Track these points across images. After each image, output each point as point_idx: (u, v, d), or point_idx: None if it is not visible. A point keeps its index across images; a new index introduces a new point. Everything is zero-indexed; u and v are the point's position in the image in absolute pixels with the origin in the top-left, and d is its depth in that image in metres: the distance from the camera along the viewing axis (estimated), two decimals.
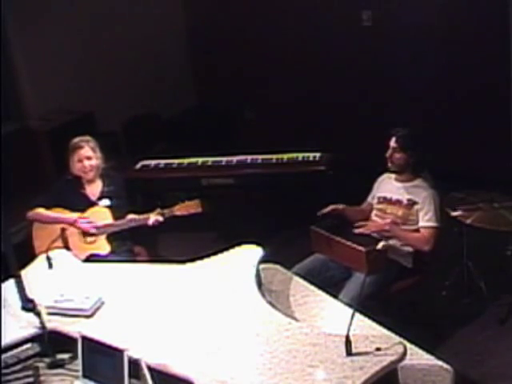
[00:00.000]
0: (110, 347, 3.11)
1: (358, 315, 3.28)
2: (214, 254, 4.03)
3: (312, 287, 3.89)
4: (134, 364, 3.07)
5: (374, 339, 3.10)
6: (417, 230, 4.44)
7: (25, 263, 4.04)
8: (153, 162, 6.11)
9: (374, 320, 3.49)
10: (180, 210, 4.67)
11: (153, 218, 4.66)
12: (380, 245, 4.20)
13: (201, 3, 7.65)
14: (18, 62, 6.52)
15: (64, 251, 4.44)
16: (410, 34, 6.38)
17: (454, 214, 4.63)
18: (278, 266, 4.12)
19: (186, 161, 6.05)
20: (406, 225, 4.45)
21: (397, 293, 4.41)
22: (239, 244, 4.03)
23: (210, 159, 6.01)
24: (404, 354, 3.01)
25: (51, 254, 4.06)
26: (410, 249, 4.44)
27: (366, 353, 3.00)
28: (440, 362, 3.28)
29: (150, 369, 3.06)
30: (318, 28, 6.86)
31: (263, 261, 3.94)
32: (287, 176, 5.78)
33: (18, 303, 3.48)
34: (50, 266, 4.00)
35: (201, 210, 4.66)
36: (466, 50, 6.22)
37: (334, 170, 5.70)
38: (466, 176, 5.79)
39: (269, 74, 7.26)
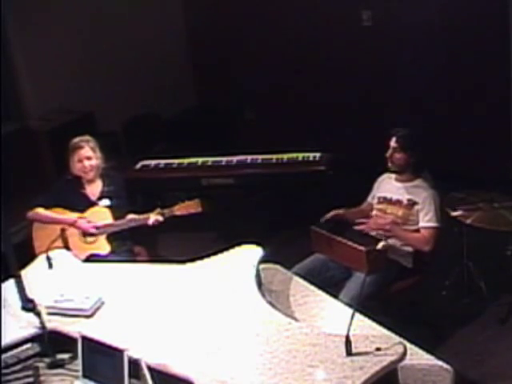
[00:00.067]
0: (110, 347, 3.11)
1: (358, 315, 3.28)
2: (214, 253, 4.03)
3: (312, 287, 3.90)
4: (134, 364, 3.07)
5: (373, 339, 3.10)
6: (417, 230, 4.44)
7: (25, 263, 4.04)
8: (153, 162, 6.11)
9: (374, 320, 3.49)
10: (180, 209, 4.67)
11: (153, 217, 4.66)
12: (380, 245, 4.20)
13: (201, 3, 7.65)
14: (18, 62, 6.52)
15: (64, 251, 4.44)
16: (411, 34, 6.39)
17: (454, 213, 4.63)
18: (278, 266, 4.13)
19: (186, 161, 6.06)
20: (406, 225, 4.45)
21: (397, 293, 4.41)
22: (239, 244, 4.03)
23: (210, 159, 6.02)
24: (404, 353, 3.01)
25: (51, 254, 4.06)
26: (410, 249, 4.44)
27: (366, 353, 3.00)
28: (440, 362, 3.28)
29: (150, 369, 3.06)
30: (318, 28, 6.87)
31: (263, 261, 3.94)
32: (287, 176, 5.78)
33: (18, 303, 3.48)
34: (50, 266, 4.00)
35: (201, 209, 4.66)
36: (466, 50, 6.22)
37: (334, 169, 5.70)
38: (466, 176, 5.79)
39: (269, 74, 7.26)
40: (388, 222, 4.42)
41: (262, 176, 5.80)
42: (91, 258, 4.60)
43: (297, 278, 4.02)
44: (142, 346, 3.24)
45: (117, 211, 4.75)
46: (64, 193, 4.81)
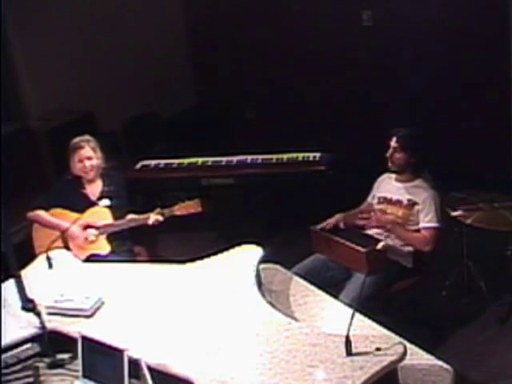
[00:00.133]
0: (110, 347, 3.11)
1: (358, 315, 3.28)
2: (214, 253, 4.02)
3: (312, 287, 3.89)
4: (134, 364, 3.07)
5: (373, 339, 3.09)
6: (417, 231, 4.44)
7: (25, 263, 4.04)
8: (153, 162, 6.12)
9: (374, 320, 3.49)
10: (180, 209, 4.67)
11: (153, 217, 4.66)
12: (380, 245, 4.20)
13: (201, 3, 7.65)
14: (18, 61, 6.52)
15: (64, 251, 4.44)
16: (411, 34, 6.39)
17: (454, 213, 4.64)
18: (278, 266, 4.12)
19: (186, 161, 6.06)
20: (407, 225, 4.45)
21: (397, 293, 4.41)
22: (239, 244, 4.03)
23: (210, 159, 6.02)
24: (404, 353, 3.01)
25: (51, 254, 4.06)
26: (410, 249, 4.44)
27: (366, 353, 3.00)
28: (440, 362, 3.28)
29: (150, 369, 3.06)
30: (318, 28, 6.87)
31: (263, 261, 3.94)
32: (287, 176, 5.78)
33: (18, 303, 3.48)
34: (50, 266, 4.00)
35: (201, 209, 4.66)
36: (466, 50, 6.22)
37: (333, 169, 5.70)
38: (466, 176, 5.79)
39: (269, 74, 7.26)
40: (389, 221, 4.42)
41: (262, 176, 5.80)
42: (91, 258, 4.60)
43: (297, 278, 4.02)
44: (142, 345, 3.24)
45: (117, 211, 4.75)
46: (64, 193, 4.81)
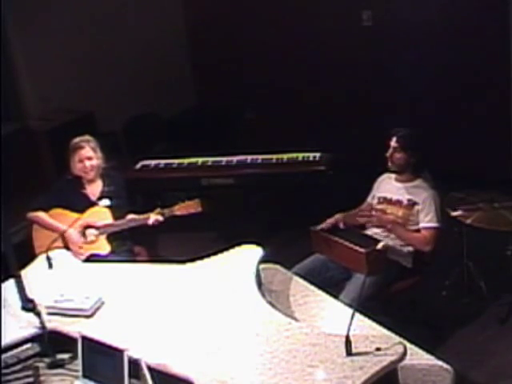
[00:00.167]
0: (110, 347, 3.11)
1: (358, 315, 3.28)
2: (214, 253, 4.03)
3: (312, 287, 3.89)
4: (134, 364, 3.07)
5: (373, 339, 3.10)
6: (417, 231, 4.44)
7: (25, 263, 4.04)
8: (153, 162, 6.11)
9: (374, 320, 3.49)
10: (180, 209, 4.67)
11: (153, 217, 4.66)
12: (380, 245, 4.20)
13: (201, 3, 7.65)
14: (18, 61, 6.52)
15: (64, 251, 4.44)
16: (411, 34, 6.39)
17: (454, 213, 4.63)
18: (278, 266, 4.12)
19: (186, 161, 6.06)
20: (407, 225, 4.45)
21: (397, 293, 4.41)
22: (239, 244, 4.03)
23: (210, 159, 6.02)
24: (404, 354, 3.01)
25: (51, 254, 4.06)
26: (409, 249, 4.44)
27: (366, 353, 3.00)
28: (440, 362, 3.28)
29: (150, 369, 3.06)
30: (318, 28, 6.86)
31: (263, 261, 3.94)
32: (287, 176, 5.78)
33: (18, 303, 3.48)
34: (50, 266, 4.00)
35: (201, 209, 4.66)
36: (466, 50, 6.22)
37: (334, 169, 5.70)
38: (466, 176, 5.79)
39: (269, 74, 7.26)
40: (390, 221, 4.41)
41: (262, 176, 5.80)
42: (91, 258, 4.60)
43: (297, 278, 4.02)
44: (142, 345, 3.24)
45: (117, 211, 4.75)
46: (64, 193, 4.81)
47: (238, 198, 5.91)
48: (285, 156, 5.93)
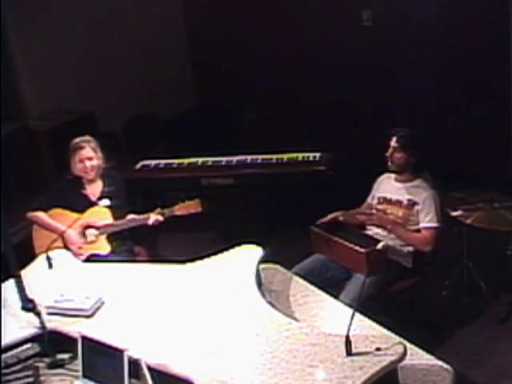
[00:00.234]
0: (110, 347, 3.11)
1: (358, 315, 3.28)
2: (214, 254, 4.03)
3: (312, 287, 3.89)
4: (134, 364, 3.07)
5: (373, 339, 3.10)
6: (417, 231, 4.44)
7: (25, 263, 4.04)
8: (153, 162, 6.11)
9: (374, 320, 3.49)
10: (180, 209, 4.67)
11: (153, 217, 4.66)
12: (380, 245, 4.20)
13: (201, 3, 7.65)
14: (18, 61, 6.52)
15: (64, 251, 4.44)
16: (411, 34, 6.39)
17: (454, 213, 4.63)
18: (278, 266, 4.12)
19: (186, 161, 6.05)
20: (407, 225, 4.45)
21: (397, 293, 4.41)
22: (239, 244, 4.03)
23: (210, 159, 6.01)
24: (404, 354, 3.01)
25: (51, 254, 4.06)
26: (409, 249, 4.44)
27: (366, 353, 3.00)
28: (440, 362, 3.28)
29: (150, 369, 3.06)
30: (318, 28, 6.86)
31: (263, 261, 3.94)
32: (287, 176, 5.77)
33: (18, 303, 3.48)
34: (50, 265, 4.00)
35: (201, 209, 4.66)
36: (466, 50, 6.22)
37: (334, 169, 5.70)
38: (466, 176, 5.79)
39: (269, 74, 7.26)
40: (390, 222, 4.41)
41: (262, 176, 5.80)
42: (91, 258, 4.60)
43: (297, 278, 4.02)
44: (142, 345, 3.24)
45: (117, 211, 4.75)
46: (64, 193, 4.81)
47: (238, 198, 5.91)
48: (285, 156, 5.93)
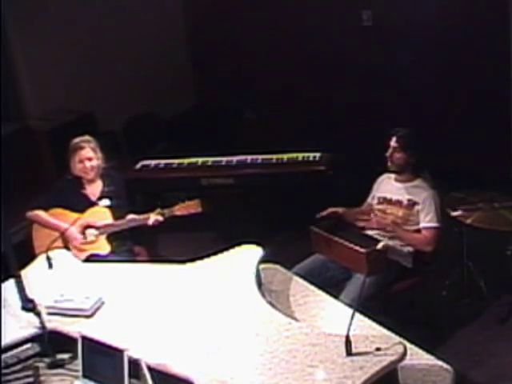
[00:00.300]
0: (110, 347, 3.11)
1: (358, 315, 3.28)
2: (214, 254, 4.03)
3: (312, 287, 3.89)
4: (134, 364, 3.07)
5: (373, 339, 3.10)
6: (417, 231, 4.44)
7: (25, 263, 4.04)
8: (153, 162, 6.11)
9: (374, 320, 3.49)
10: (180, 209, 4.67)
11: (153, 217, 4.66)
12: (380, 245, 4.20)
13: (201, 3, 7.65)
14: (18, 61, 6.52)
15: (64, 251, 4.44)
16: (411, 34, 6.39)
17: (454, 213, 4.63)
18: (278, 266, 4.12)
19: (186, 161, 6.05)
20: (407, 225, 4.45)
21: (397, 293, 4.41)
22: (239, 244, 4.03)
23: (210, 159, 6.02)
24: (404, 354, 3.01)
25: (51, 254, 4.06)
26: (410, 249, 4.44)
27: (366, 353, 3.00)
28: (440, 362, 3.28)
29: (150, 369, 3.06)
30: (318, 28, 6.86)
31: (263, 261, 3.94)
32: (287, 176, 5.78)
33: (18, 303, 3.48)
34: (50, 265, 4.00)
35: (201, 209, 4.66)
36: (466, 50, 6.22)
37: (334, 169, 5.70)
38: (466, 176, 5.79)
39: (269, 74, 7.26)
40: (389, 224, 4.41)
41: (262, 176, 5.80)
42: (91, 258, 4.60)
43: (297, 278, 4.02)
44: (142, 345, 3.24)
45: (117, 211, 4.75)
46: (64, 193, 4.81)
47: (238, 198, 5.91)
48: (285, 156, 5.93)
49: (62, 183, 4.89)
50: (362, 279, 3.78)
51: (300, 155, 5.92)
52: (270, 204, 6.05)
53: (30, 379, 3.28)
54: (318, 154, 5.87)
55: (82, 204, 4.75)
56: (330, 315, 3.66)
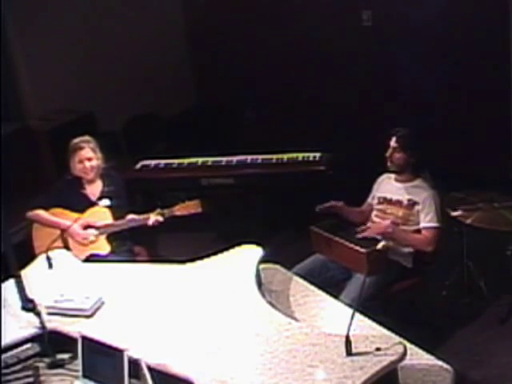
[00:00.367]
0: (110, 347, 3.11)
1: (358, 315, 3.28)
2: (214, 254, 4.03)
3: (312, 287, 3.89)
4: (134, 364, 3.07)
5: (373, 339, 3.09)
6: (417, 231, 4.43)
7: (25, 263, 4.04)
8: (153, 162, 6.11)
9: (374, 320, 3.49)
10: (180, 210, 4.67)
11: (153, 218, 4.66)
12: (380, 245, 4.19)
13: (201, 3, 7.65)
14: (18, 61, 6.52)
15: (64, 251, 4.44)
16: (410, 34, 6.39)
17: (454, 214, 4.63)
18: (278, 266, 4.12)
19: (186, 161, 6.06)
20: (407, 225, 4.44)
21: (397, 293, 4.41)
22: (239, 244, 4.03)
23: (210, 159, 6.02)
24: (404, 354, 3.01)
25: (51, 254, 4.06)
26: (410, 249, 4.43)
27: (366, 353, 3.00)
28: (440, 362, 3.28)
29: (150, 369, 3.06)
30: (318, 28, 6.87)
31: (263, 261, 3.94)
32: (287, 176, 5.78)
33: (18, 303, 3.48)
34: (50, 265, 4.00)
35: (201, 210, 4.66)
36: (466, 50, 6.22)
37: (334, 169, 5.70)
38: (466, 176, 5.79)
39: (269, 74, 7.26)
40: (388, 225, 4.39)
41: (262, 176, 5.80)
42: (91, 258, 4.60)
43: (297, 278, 4.02)
44: (142, 345, 3.24)
45: (117, 211, 4.75)
46: (64, 193, 4.81)
47: (238, 198, 5.91)
48: (285, 156, 5.93)
49: (62, 183, 4.89)
50: (362, 279, 3.77)
51: (300, 155, 5.92)
52: (270, 204, 6.06)
53: (30, 379, 3.28)
54: (318, 154, 5.88)
55: (82, 204, 4.75)
56: (329, 315, 3.66)
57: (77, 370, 3.26)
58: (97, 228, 4.70)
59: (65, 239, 4.65)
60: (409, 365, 3.17)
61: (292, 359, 3.05)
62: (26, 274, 3.75)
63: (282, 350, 3.12)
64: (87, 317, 3.57)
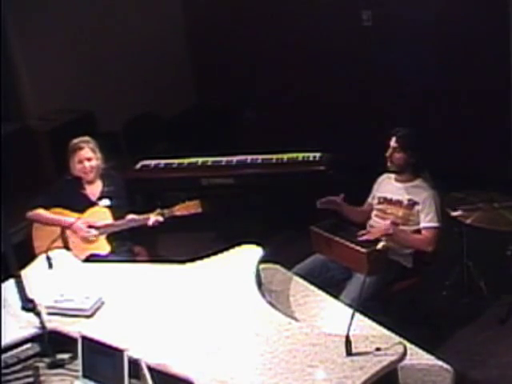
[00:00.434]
0: (110, 347, 3.11)
1: (358, 315, 3.28)
2: (214, 253, 4.03)
3: (312, 287, 3.89)
4: (134, 364, 3.07)
5: (373, 339, 3.09)
6: (417, 231, 4.43)
7: (25, 263, 4.04)
8: (153, 162, 6.11)
9: (374, 320, 3.49)
10: (180, 210, 4.67)
11: (153, 218, 4.66)
12: (380, 245, 4.19)
13: (201, 3, 7.65)
14: (18, 61, 6.52)
15: (64, 251, 4.44)
16: (410, 34, 6.39)
17: (454, 214, 4.63)
18: (278, 266, 4.12)
19: (186, 161, 6.06)
20: (407, 225, 4.44)
21: (397, 293, 4.41)
22: (239, 244, 4.03)
23: (210, 159, 6.02)
24: (404, 354, 3.01)
25: (51, 254, 4.06)
26: (410, 249, 4.43)
27: (366, 353, 3.00)
28: (440, 362, 3.28)
29: (150, 369, 3.06)
30: (318, 28, 6.87)
31: (263, 261, 3.94)
32: (287, 176, 5.78)
33: (18, 303, 3.48)
34: (50, 265, 4.00)
35: (201, 210, 4.66)
36: (466, 50, 6.22)
37: (334, 169, 5.70)
38: (466, 176, 5.79)
39: (269, 74, 7.26)
40: (388, 227, 4.38)
41: (262, 176, 5.80)
42: (91, 258, 4.60)
43: (297, 278, 4.02)
44: (142, 345, 3.24)
45: (117, 211, 4.75)
46: (64, 193, 4.81)
47: (238, 198, 5.91)
48: (285, 156, 5.93)
49: (62, 183, 4.89)
50: (362, 279, 3.77)
51: (300, 155, 5.92)
52: (270, 204, 6.05)
53: (30, 379, 3.28)
54: (318, 154, 5.88)
55: (82, 204, 4.76)
56: (330, 315, 3.66)
57: (77, 370, 3.26)
58: (97, 228, 4.70)
59: (65, 239, 4.65)
60: (409, 365, 3.17)
61: (292, 359, 3.05)
62: (26, 274, 3.74)
63: (282, 349, 3.12)
64: (87, 317, 3.57)
